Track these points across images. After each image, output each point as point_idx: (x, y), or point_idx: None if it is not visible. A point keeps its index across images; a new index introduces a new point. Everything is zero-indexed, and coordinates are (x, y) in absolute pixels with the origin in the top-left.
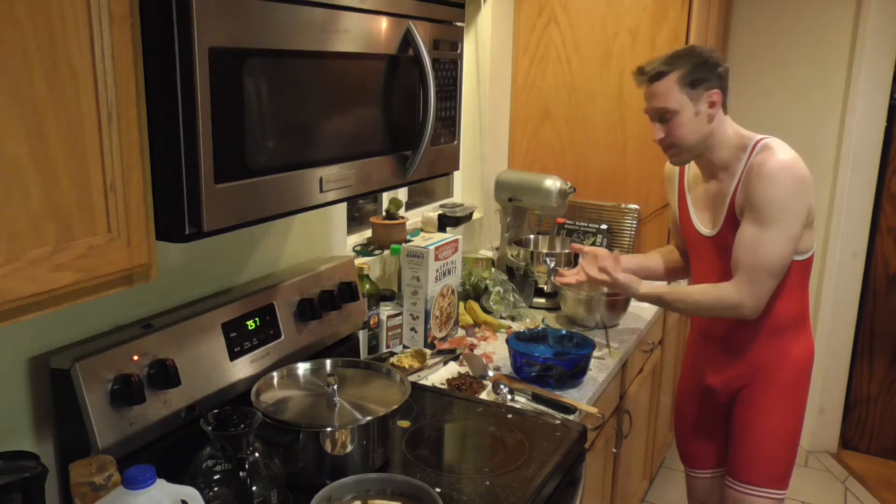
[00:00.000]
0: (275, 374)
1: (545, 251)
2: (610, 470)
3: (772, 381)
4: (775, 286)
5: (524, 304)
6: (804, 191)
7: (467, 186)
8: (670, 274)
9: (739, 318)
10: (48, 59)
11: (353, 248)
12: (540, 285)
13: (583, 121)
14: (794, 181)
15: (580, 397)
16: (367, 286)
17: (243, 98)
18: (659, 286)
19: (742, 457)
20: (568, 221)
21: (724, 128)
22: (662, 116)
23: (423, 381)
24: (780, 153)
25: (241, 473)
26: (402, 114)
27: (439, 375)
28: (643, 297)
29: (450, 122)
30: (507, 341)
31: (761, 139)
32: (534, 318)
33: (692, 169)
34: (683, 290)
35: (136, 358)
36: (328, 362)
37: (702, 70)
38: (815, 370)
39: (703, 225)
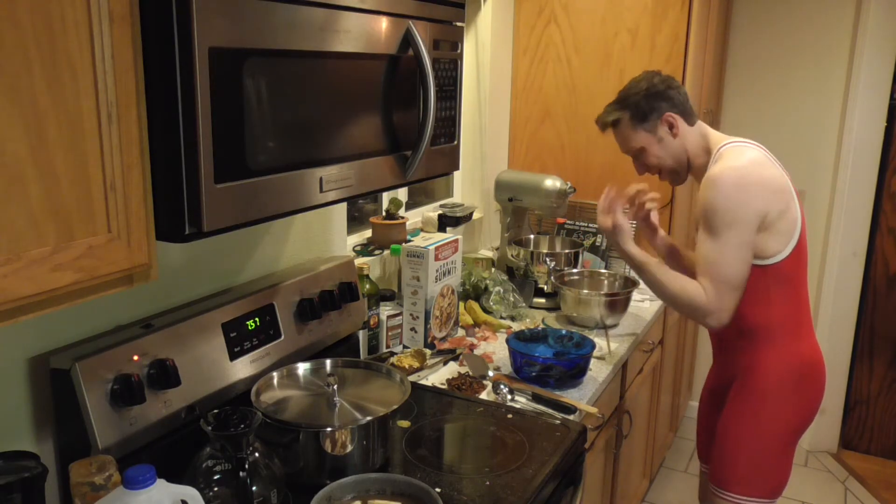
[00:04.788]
0: (275, 374)
1: (545, 251)
2: (610, 470)
3: (748, 387)
4: (739, 296)
5: (524, 304)
6: (750, 195)
7: (467, 186)
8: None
9: (705, 325)
10: (48, 59)
11: (353, 248)
12: (540, 285)
13: (583, 120)
14: (735, 187)
15: (580, 397)
16: (367, 286)
17: (243, 98)
18: (649, 256)
19: (716, 461)
20: (568, 221)
21: (693, 138)
22: (635, 156)
23: (423, 381)
24: (731, 160)
25: (241, 473)
26: (402, 114)
27: (439, 375)
28: (626, 254)
29: (450, 122)
30: (507, 341)
31: (724, 145)
32: (534, 318)
33: None
34: (665, 274)
35: (136, 358)
36: (328, 362)
37: (648, 102)
38: None
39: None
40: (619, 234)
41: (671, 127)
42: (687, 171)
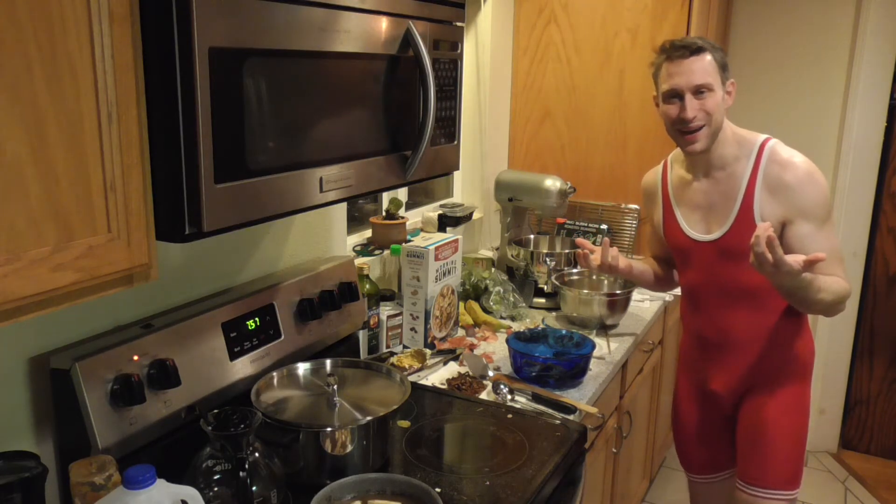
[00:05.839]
0: (275, 374)
1: (545, 251)
2: (610, 470)
3: (778, 382)
4: None
5: (524, 304)
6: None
7: (467, 186)
8: (658, 282)
9: (835, 314)
10: (48, 59)
11: (353, 248)
12: (540, 285)
13: (583, 121)
14: (823, 176)
15: (580, 397)
16: (367, 286)
17: (243, 98)
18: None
19: (754, 460)
20: (568, 221)
21: (726, 124)
22: (698, 90)
23: (423, 381)
24: (795, 155)
25: (241, 473)
26: (402, 114)
27: (439, 375)
28: (803, 283)
29: (450, 122)
30: (507, 341)
31: (766, 140)
32: (534, 318)
33: (675, 172)
34: (825, 279)
35: (136, 358)
36: (328, 362)
37: (725, 59)
38: (815, 370)
39: (696, 229)
40: (790, 273)
41: (729, 94)
42: (712, 145)
